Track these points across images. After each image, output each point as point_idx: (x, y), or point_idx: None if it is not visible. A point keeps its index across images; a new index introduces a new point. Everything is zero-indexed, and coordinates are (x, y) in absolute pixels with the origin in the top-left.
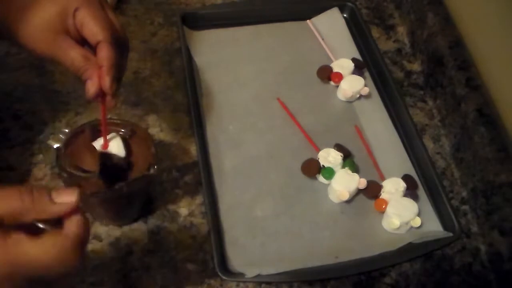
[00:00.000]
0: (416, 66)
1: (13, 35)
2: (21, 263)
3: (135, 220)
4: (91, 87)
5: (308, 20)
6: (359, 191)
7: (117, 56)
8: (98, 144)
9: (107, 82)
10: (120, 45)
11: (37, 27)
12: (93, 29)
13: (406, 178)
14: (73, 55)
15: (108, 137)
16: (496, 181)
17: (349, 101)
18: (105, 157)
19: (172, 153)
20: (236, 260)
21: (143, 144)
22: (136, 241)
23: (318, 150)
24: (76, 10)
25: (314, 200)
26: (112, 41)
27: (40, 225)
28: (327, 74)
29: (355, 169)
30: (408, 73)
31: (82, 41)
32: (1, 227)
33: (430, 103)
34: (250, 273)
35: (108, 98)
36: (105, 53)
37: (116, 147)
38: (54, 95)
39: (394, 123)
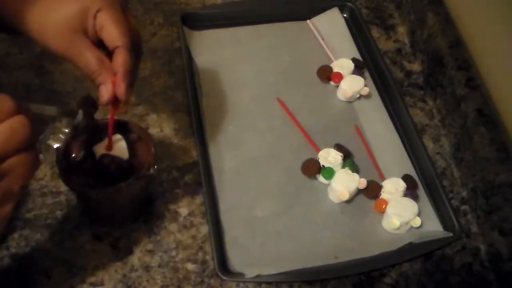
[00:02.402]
0: (416, 66)
1: (27, 28)
2: None
3: (135, 220)
4: (105, 94)
5: (308, 20)
6: (359, 191)
7: (133, 63)
8: (101, 145)
9: (122, 89)
10: (136, 51)
11: (56, 23)
12: (113, 33)
13: (406, 178)
14: (89, 57)
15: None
16: (496, 181)
17: (349, 101)
18: (108, 158)
19: (172, 153)
20: (236, 260)
21: (143, 144)
22: (136, 241)
23: (318, 150)
24: (98, 11)
25: (314, 200)
26: (130, 47)
27: None
28: (327, 74)
29: (355, 169)
30: (408, 73)
31: (99, 43)
32: None
33: (430, 103)
34: (250, 273)
35: (121, 104)
36: (122, 59)
37: (120, 149)
38: (54, 95)
39: (394, 123)
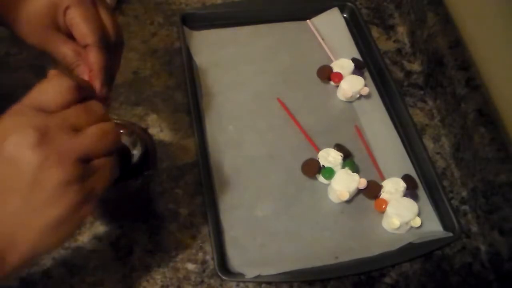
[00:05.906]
0: (416, 66)
1: (10, 25)
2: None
3: (135, 220)
4: None
5: (308, 20)
6: (359, 191)
7: (106, 59)
8: None
9: (97, 86)
10: (112, 46)
11: (28, 19)
12: (82, 31)
13: (406, 178)
14: (65, 50)
15: None
16: (496, 181)
17: (349, 101)
18: None
19: (172, 153)
20: (236, 260)
21: (143, 144)
22: (136, 241)
23: (318, 150)
24: (67, 8)
25: (314, 200)
26: (101, 44)
27: None
28: (327, 74)
29: (355, 169)
30: (408, 73)
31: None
32: None
33: (430, 103)
34: (250, 273)
35: (99, 100)
36: (93, 57)
37: None
38: None
39: (394, 123)
